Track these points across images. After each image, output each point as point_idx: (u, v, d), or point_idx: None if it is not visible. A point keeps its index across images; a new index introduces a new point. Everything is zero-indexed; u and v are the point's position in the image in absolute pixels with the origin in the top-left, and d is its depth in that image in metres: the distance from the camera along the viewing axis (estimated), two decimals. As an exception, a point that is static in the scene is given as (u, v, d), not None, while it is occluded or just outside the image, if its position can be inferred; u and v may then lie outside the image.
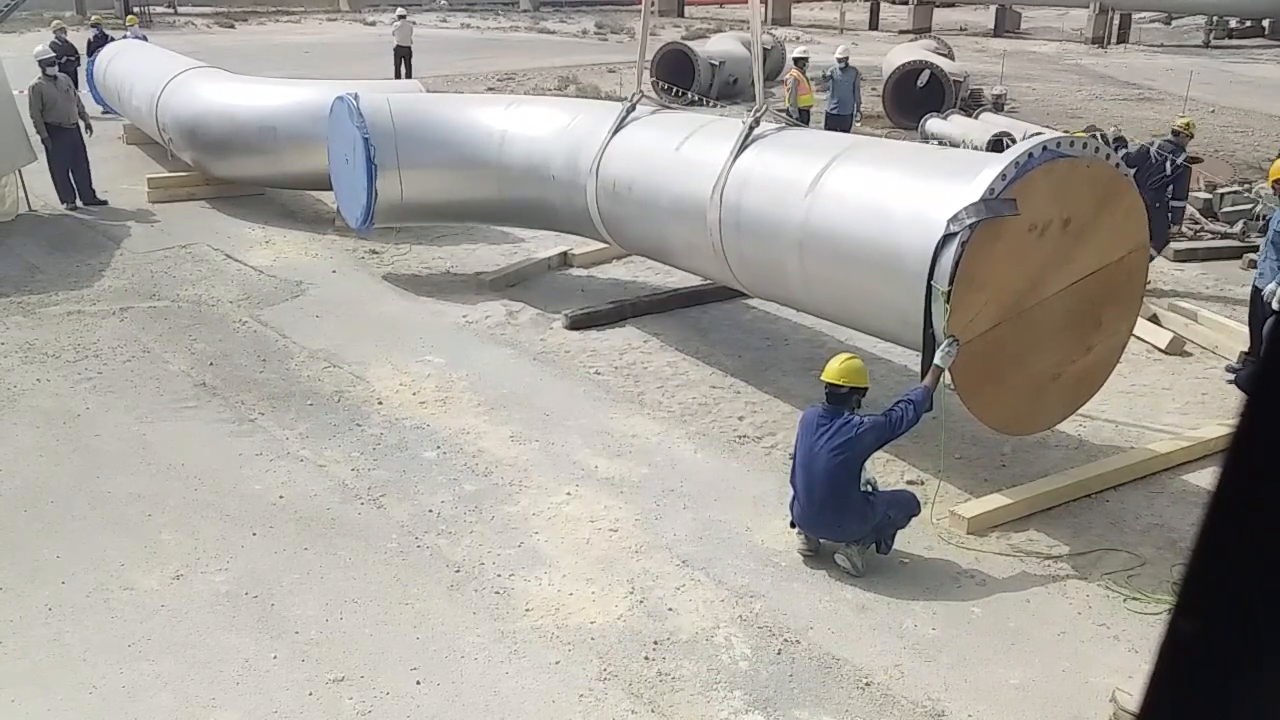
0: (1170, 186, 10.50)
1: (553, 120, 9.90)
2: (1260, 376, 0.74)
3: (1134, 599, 5.57)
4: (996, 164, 5.87)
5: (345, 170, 10.26)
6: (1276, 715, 0.76)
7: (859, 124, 17.74)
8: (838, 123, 16.21)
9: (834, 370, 5.81)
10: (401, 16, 24.83)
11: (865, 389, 5.88)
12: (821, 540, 5.82)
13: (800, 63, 16.49)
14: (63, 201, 12.92)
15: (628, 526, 6.18)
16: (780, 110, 16.08)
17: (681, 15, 50.27)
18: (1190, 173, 11.07)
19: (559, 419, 7.61)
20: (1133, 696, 4.53)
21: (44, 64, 12.87)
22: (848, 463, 5.61)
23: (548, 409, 7.77)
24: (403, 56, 24.42)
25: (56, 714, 4.60)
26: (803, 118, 15.91)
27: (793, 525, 5.92)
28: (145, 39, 19.29)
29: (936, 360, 5.85)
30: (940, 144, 14.68)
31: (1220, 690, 0.77)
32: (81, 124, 13.07)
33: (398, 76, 23.68)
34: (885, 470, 6.95)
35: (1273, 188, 9.43)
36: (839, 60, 16.79)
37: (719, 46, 24.49)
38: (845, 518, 5.66)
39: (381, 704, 4.68)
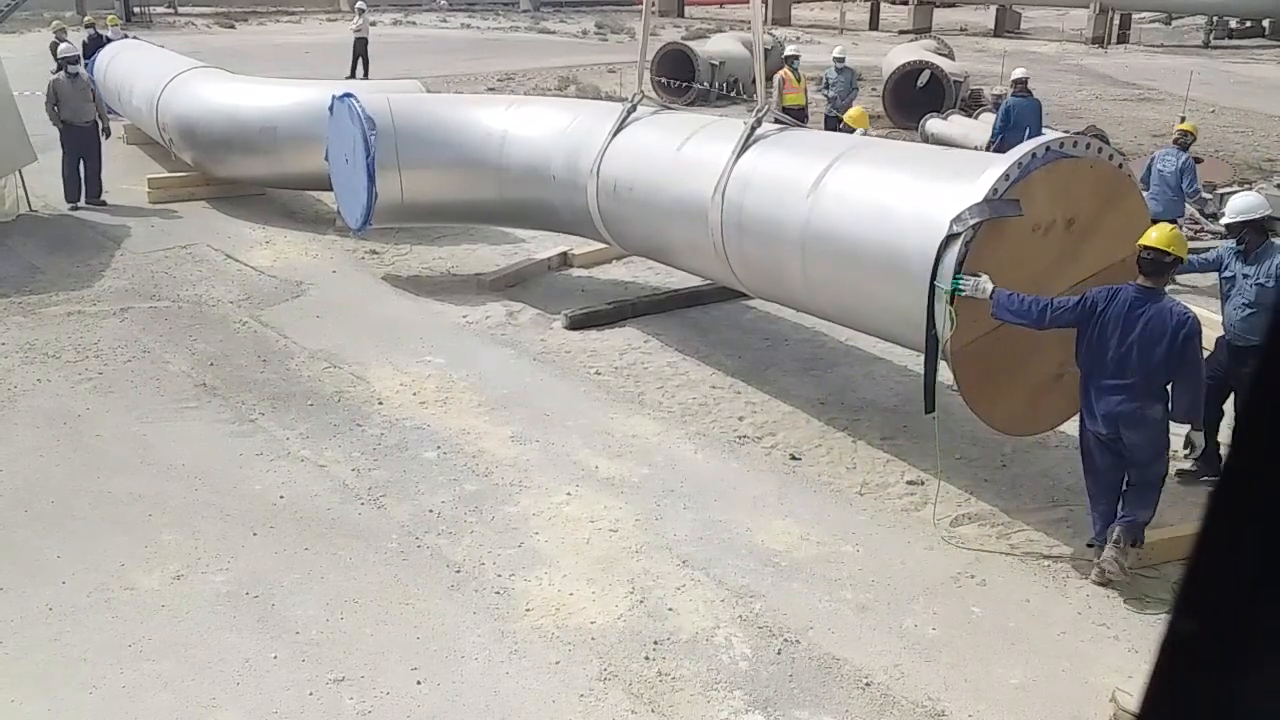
0: None
1: (553, 120, 9.90)
2: (1260, 377, 0.75)
3: (1134, 599, 5.57)
4: (999, 164, 5.86)
5: (345, 170, 10.26)
6: (1276, 715, 0.76)
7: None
8: (835, 125, 16.13)
9: (1163, 237, 5.51)
10: (361, 11, 25.47)
11: (1184, 259, 5.63)
12: (1119, 430, 5.51)
13: (790, 61, 16.32)
14: (68, 199, 12.94)
15: (628, 526, 6.19)
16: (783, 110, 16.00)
17: (681, 15, 50.27)
18: None
19: (559, 419, 7.61)
20: (1133, 696, 4.53)
21: (65, 61, 12.97)
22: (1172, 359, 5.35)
23: (548, 409, 7.77)
24: (360, 52, 24.98)
25: (57, 714, 4.60)
26: (797, 117, 15.79)
27: (1090, 545, 5.76)
28: (127, 37, 19.41)
29: (981, 297, 5.65)
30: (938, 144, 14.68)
31: (1220, 690, 0.77)
32: (100, 124, 13.14)
33: (353, 74, 23.89)
34: (885, 470, 6.96)
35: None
36: (836, 60, 16.71)
37: (719, 47, 24.48)
38: (1148, 409, 5.46)
39: (382, 704, 4.68)
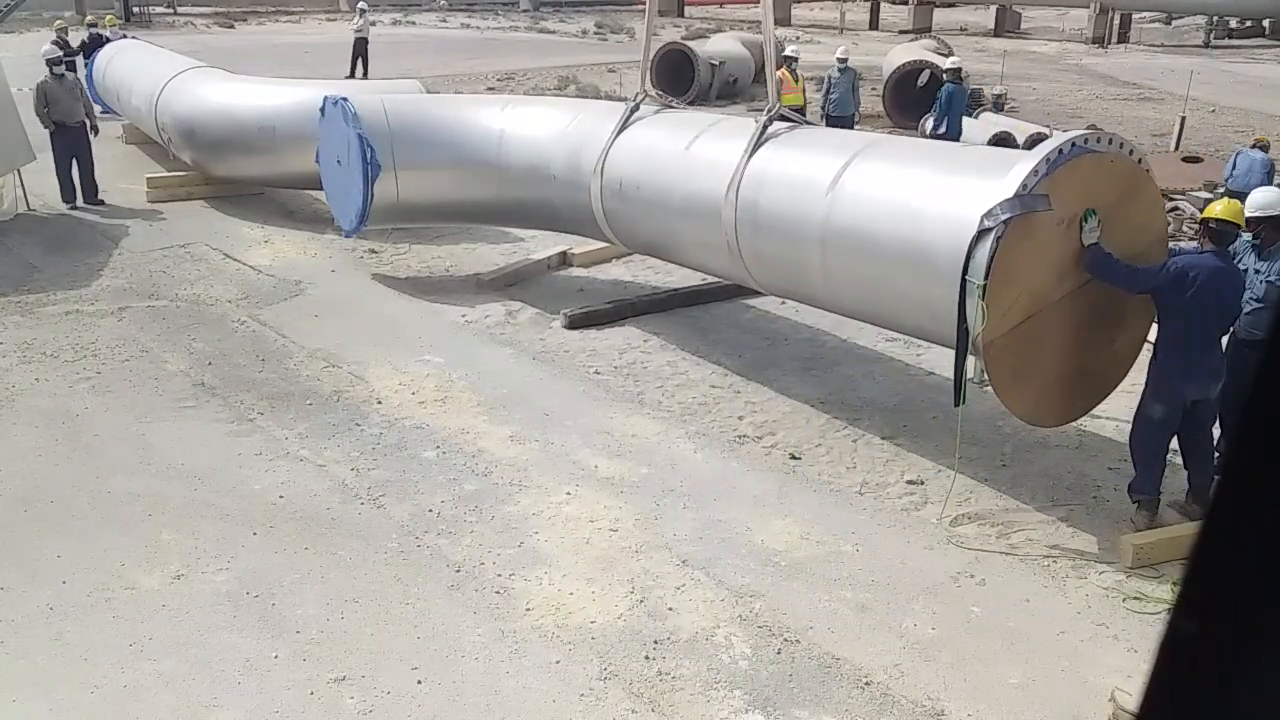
0: None
1: (553, 120, 9.89)
2: (1260, 377, 0.75)
3: (1134, 599, 5.57)
4: (1028, 160, 5.95)
5: (338, 172, 10.23)
6: (1276, 715, 0.76)
7: (859, 125, 17.65)
8: (838, 124, 16.13)
9: (1227, 210, 6.12)
10: (362, 11, 25.62)
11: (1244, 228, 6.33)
12: (1213, 384, 6.05)
13: (788, 61, 16.27)
14: (65, 200, 12.93)
15: (628, 526, 6.19)
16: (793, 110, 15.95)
17: (681, 15, 50.26)
18: None
19: (559, 419, 7.61)
20: (1132, 696, 4.53)
21: (50, 62, 12.94)
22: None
23: (547, 409, 7.77)
24: (360, 52, 25.06)
25: (58, 714, 4.60)
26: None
27: (1136, 501, 6.26)
28: (126, 37, 19.44)
29: (1087, 240, 6.00)
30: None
31: (1220, 690, 0.77)
32: (88, 123, 13.09)
33: (353, 74, 23.94)
34: (885, 470, 6.96)
35: None
36: (838, 61, 16.75)
37: (719, 46, 24.48)
38: (1222, 359, 6.15)
39: (382, 703, 4.69)
